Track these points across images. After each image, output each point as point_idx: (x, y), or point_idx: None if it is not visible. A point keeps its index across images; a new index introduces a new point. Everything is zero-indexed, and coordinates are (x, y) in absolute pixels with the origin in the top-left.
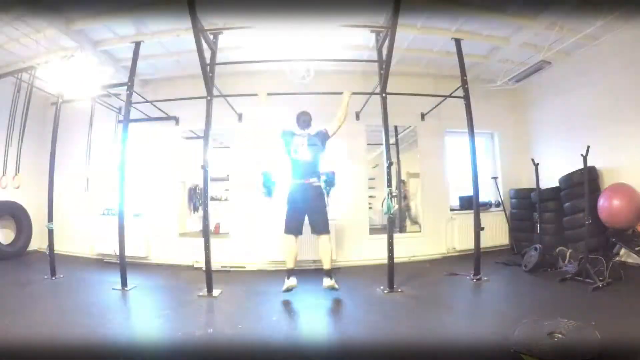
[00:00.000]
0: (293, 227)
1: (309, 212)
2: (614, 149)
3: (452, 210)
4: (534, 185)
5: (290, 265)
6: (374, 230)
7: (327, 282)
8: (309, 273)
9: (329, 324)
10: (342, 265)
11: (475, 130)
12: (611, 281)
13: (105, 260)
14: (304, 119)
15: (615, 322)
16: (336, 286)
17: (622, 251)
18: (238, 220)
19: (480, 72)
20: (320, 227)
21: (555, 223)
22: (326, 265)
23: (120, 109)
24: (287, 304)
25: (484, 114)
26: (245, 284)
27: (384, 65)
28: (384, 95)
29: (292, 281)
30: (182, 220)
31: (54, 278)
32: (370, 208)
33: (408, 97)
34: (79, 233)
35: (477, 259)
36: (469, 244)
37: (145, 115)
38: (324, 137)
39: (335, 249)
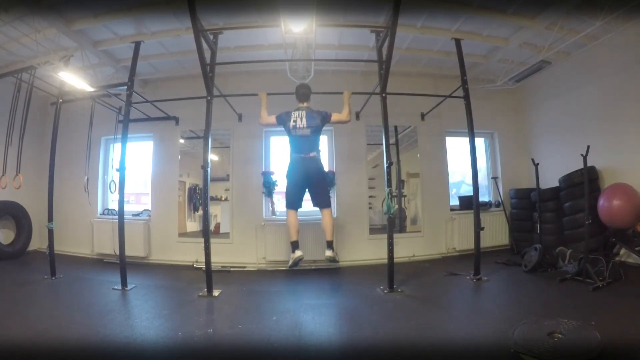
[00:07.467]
0: (293, 201)
1: (309, 186)
2: (614, 149)
3: (452, 210)
4: (534, 185)
5: (293, 237)
6: (374, 230)
7: (329, 252)
8: (309, 273)
9: (329, 324)
10: (342, 265)
11: (475, 130)
12: (611, 281)
13: (105, 260)
14: (303, 92)
15: (615, 322)
16: (337, 258)
17: (622, 251)
18: (238, 220)
19: (480, 72)
20: (322, 200)
21: (555, 223)
22: (328, 237)
23: (120, 109)
24: (287, 304)
25: (484, 114)
26: (245, 284)
27: (384, 65)
28: (384, 95)
29: (297, 253)
30: (182, 220)
31: (54, 278)
32: (370, 208)
33: (408, 97)
34: (79, 233)
35: (477, 259)
36: (469, 244)
37: (145, 115)
38: (324, 118)
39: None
